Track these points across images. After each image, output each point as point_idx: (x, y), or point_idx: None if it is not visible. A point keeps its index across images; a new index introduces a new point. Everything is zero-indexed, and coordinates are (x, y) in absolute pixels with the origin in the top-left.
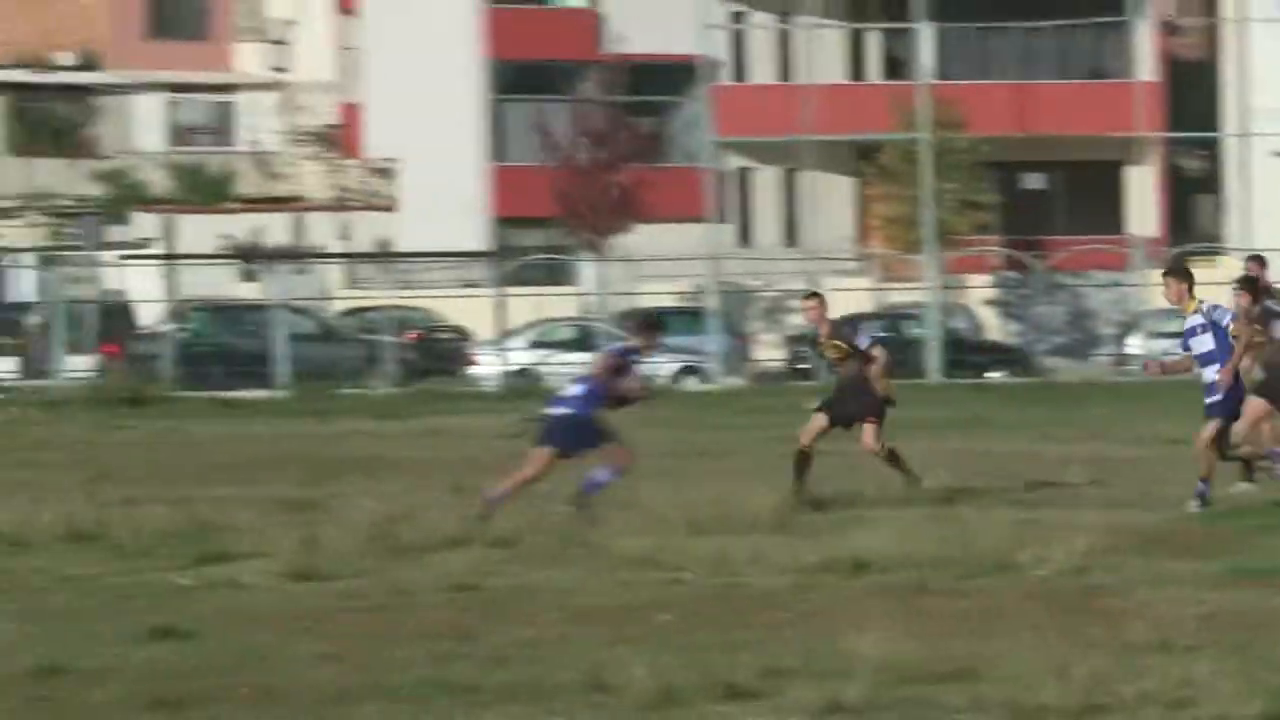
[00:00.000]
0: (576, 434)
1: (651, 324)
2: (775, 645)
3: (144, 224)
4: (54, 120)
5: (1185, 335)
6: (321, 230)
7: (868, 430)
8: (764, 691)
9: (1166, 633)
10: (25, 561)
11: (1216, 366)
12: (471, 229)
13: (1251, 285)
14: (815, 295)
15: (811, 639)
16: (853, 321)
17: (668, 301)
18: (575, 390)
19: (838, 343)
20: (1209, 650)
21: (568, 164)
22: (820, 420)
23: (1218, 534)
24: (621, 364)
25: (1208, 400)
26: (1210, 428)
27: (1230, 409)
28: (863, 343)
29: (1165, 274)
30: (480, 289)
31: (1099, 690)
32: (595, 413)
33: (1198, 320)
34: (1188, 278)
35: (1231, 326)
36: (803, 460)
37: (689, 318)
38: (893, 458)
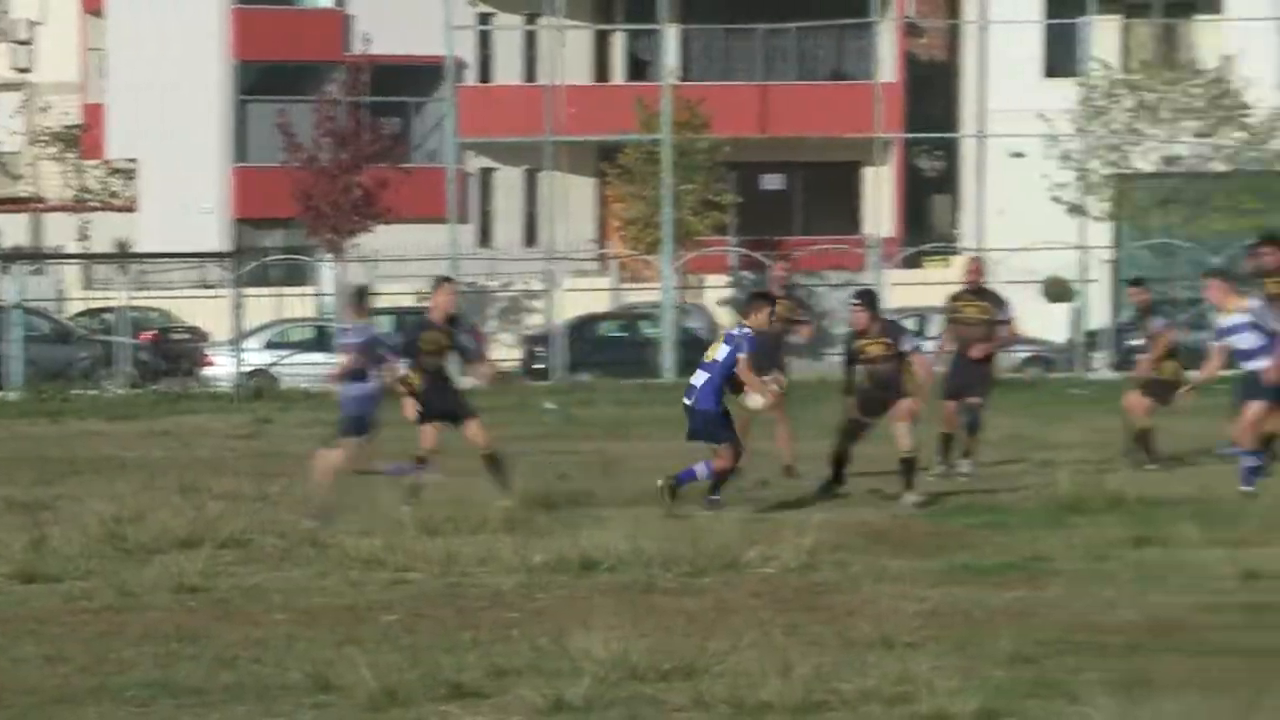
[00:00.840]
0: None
1: (761, 295)
2: (502, 645)
3: None
4: None
5: (1227, 332)
6: (60, 231)
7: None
8: (490, 691)
9: (889, 629)
10: None
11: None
12: (212, 229)
13: None
14: (866, 295)
15: (539, 638)
16: (897, 323)
17: (406, 302)
18: (701, 380)
19: (886, 340)
20: (930, 646)
21: (310, 164)
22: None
23: (940, 532)
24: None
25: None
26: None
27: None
28: (907, 346)
29: (1205, 275)
30: (218, 289)
31: (821, 687)
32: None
33: (1241, 319)
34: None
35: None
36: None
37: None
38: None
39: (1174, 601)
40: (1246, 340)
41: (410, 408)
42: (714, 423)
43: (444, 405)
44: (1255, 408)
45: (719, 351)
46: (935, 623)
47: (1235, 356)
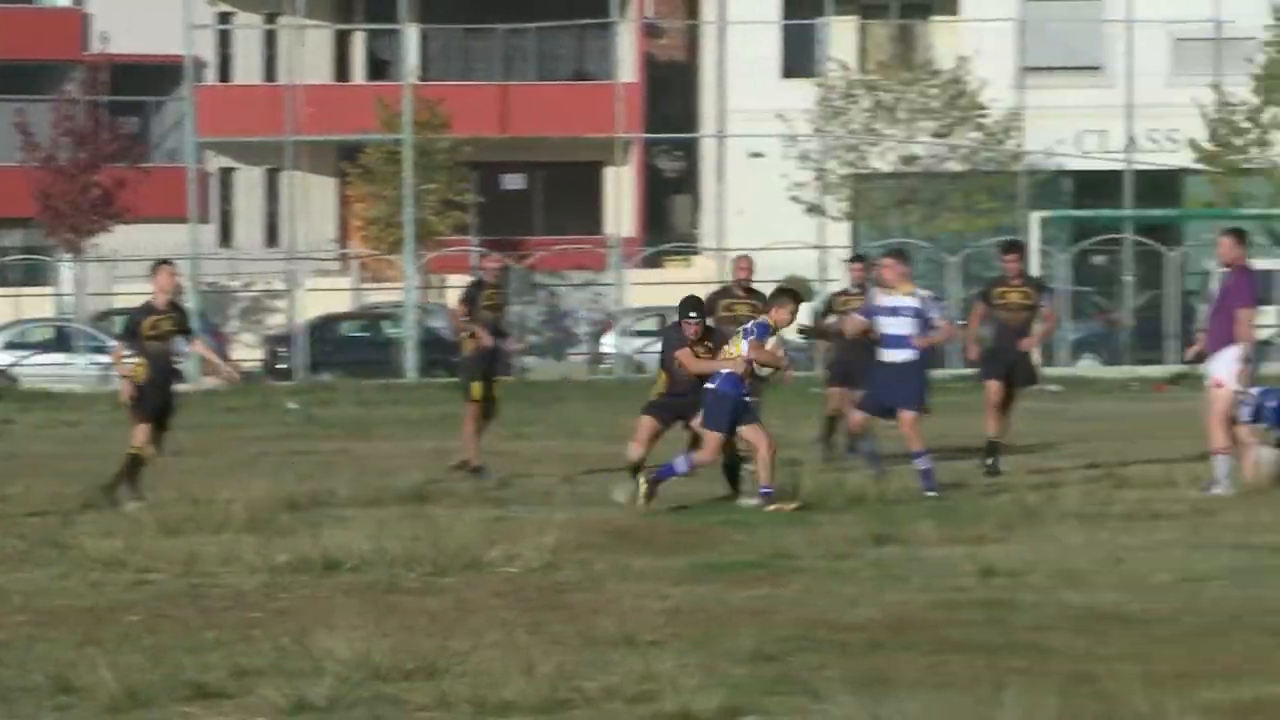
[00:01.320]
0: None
1: (789, 292)
2: (245, 645)
3: None
4: None
5: (883, 311)
6: None
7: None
8: (232, 691)
9: (632, 628)
10: None
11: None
12: None
13: None
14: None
15: (281, 638)
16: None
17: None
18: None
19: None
20: (673, 644)
21: (48, 164)
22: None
23: (683, 530)
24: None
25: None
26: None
27: None
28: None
29: (886, 255)
30: None
31: (564, 685)
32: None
33: (907, 303)
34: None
35: None
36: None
37: None
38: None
39: (913, 599)
40: (901, 326)
41: (128, 391)
42: (720, 407)
43: (157, 402)
44: (906, 416)
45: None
46: (678, 621)
47: (884, 340)
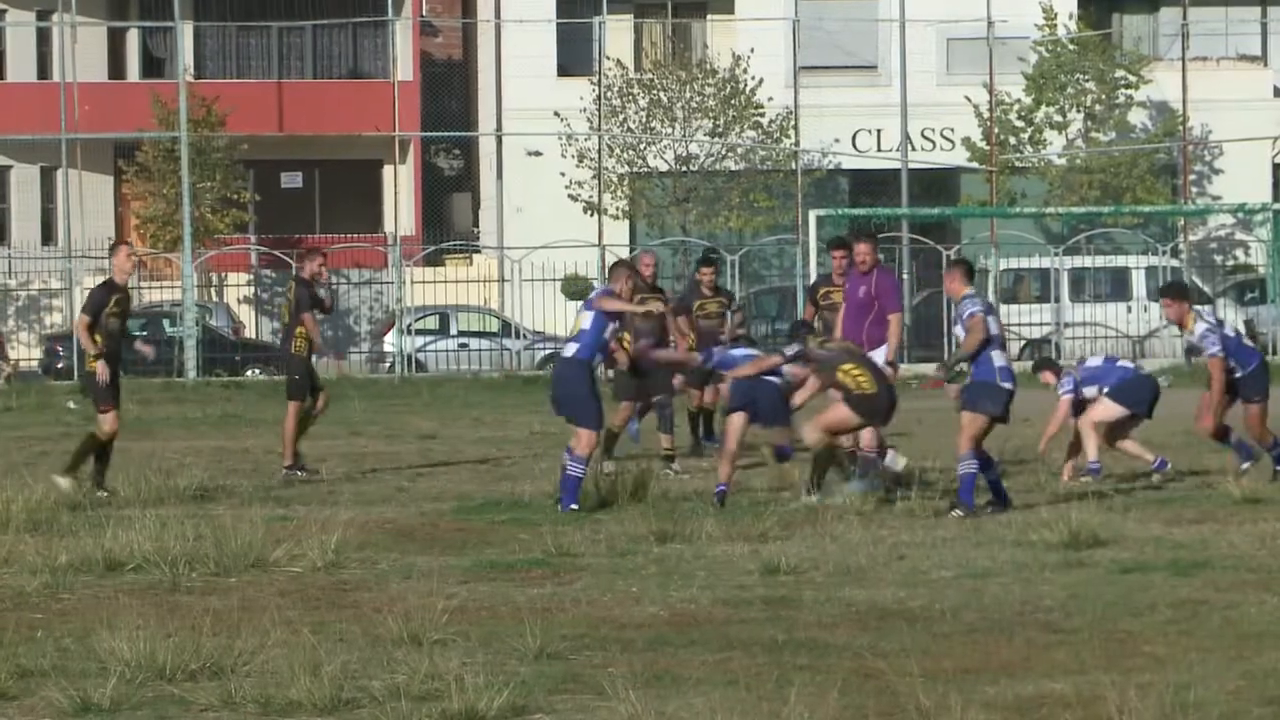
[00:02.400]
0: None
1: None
2: (27, 646)
3: None
4: None
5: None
6: None
7: None
8: (15, 692)
9: (416, 626)
10: None
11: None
12: None
13: None
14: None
15: (64, 639)
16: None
17: None
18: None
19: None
20: (458, 643)
21: None
22: None
23: (466, 528)
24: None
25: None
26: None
27: None
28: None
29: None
30: None
31: (350, 685)
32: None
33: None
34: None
35: None
36: None
37: None
38: None
39: (697, 597)
40: None
41: (104, 372)
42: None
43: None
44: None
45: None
46: (463, 619)
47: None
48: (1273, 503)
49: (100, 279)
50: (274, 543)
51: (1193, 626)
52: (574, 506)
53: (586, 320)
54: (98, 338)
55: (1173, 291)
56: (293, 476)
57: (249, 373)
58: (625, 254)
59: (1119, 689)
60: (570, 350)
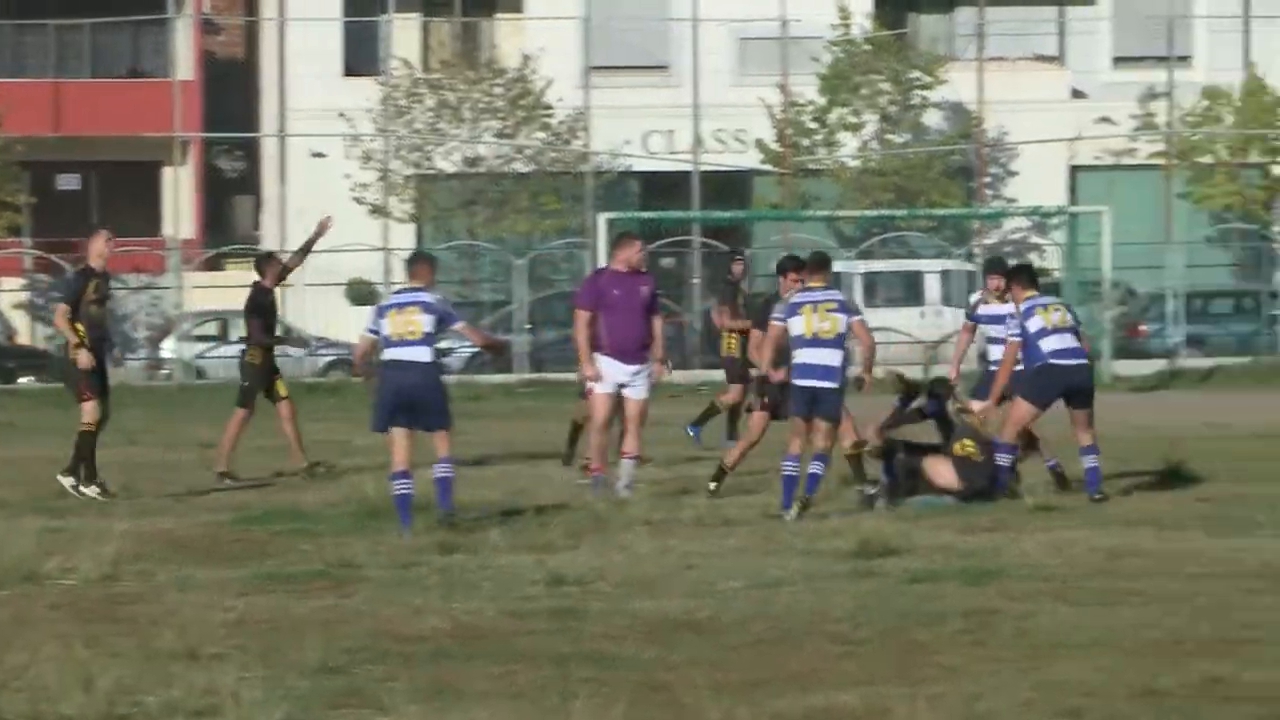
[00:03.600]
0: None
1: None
2: None
3: None
4: None
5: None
6: None
7: None
8: None
9: (193, 640)
10: None
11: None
12: None
13: None
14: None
15: None
16: None
17: None
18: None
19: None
20: (236, 657)
21: None
22: None
23: (246, 540)
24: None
25: None
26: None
27: None
28: None
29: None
30: None
31: (124, 699)
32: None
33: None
34: None
35: None
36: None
37: None
38: None
39: (482, 608)
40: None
41: (86, 360)
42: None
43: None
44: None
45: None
46: (241, 632)
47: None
48: (1065, 511)
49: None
50: (46, 554)
51: (984, 636)
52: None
53: (427, 322)
54: (78, 326)
55: (997, 266)
56: (223, 485)
57: (21, 380)
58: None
59: (909, 700)
60: (422, 354)
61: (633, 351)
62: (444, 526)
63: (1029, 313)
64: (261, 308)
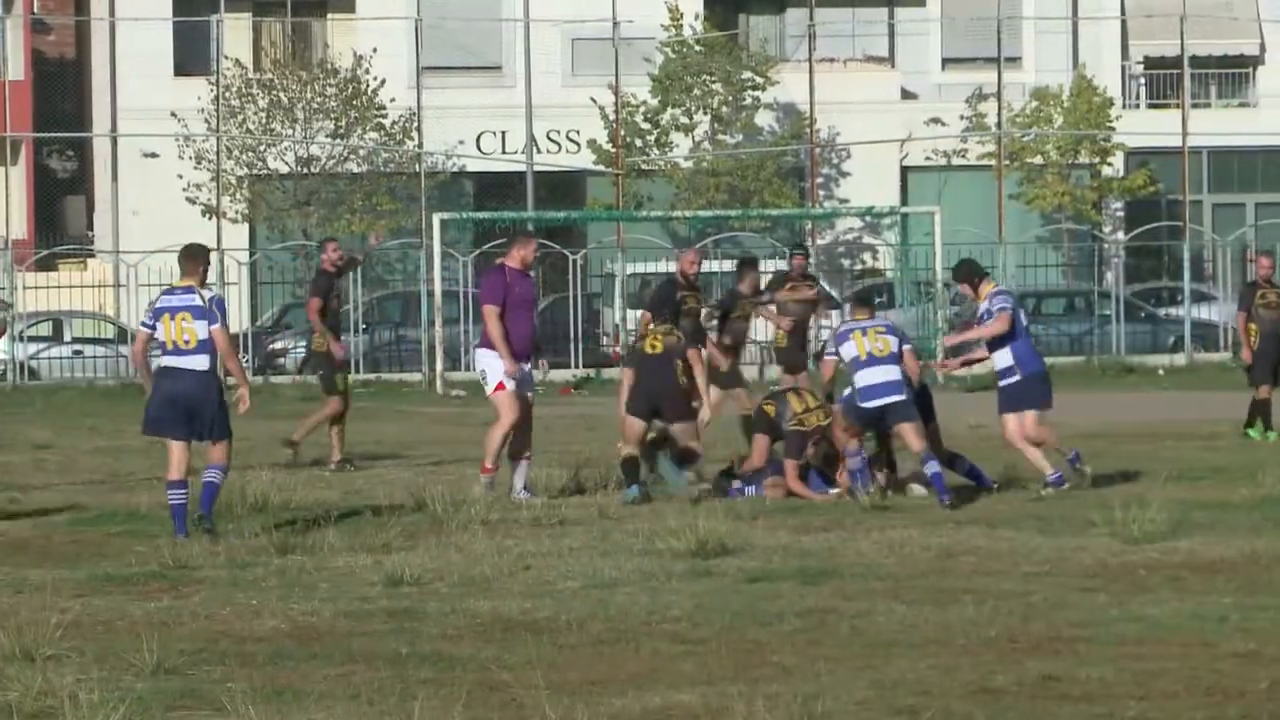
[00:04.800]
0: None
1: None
2: None
3: None
4: None
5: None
6: None
7: None
8: None
9: (29, 642)
10: None
11: None
12: None
13: None
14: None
15: None
16: None
17: None
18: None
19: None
20: (72, 659)
21: None
22: None
23: (81, 540)
24: None
25: None
26: None
27: None
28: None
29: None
30: None
31: None
32: None
33: None
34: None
35: None
36: None
37: None
38: None
39: (319, 609)
40: None
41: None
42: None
43: None
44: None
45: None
46: (77, 634)
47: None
48: (900, 510)
49: None
50: None
51: (820, 636)
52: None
53: (202, 329)
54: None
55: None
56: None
57: None
58: (245, 258)
59: (747, 699)
60: (199, 363)
61: (527, 351)
62: (203, 532)
63: (844, 336)
64: (322, 290)
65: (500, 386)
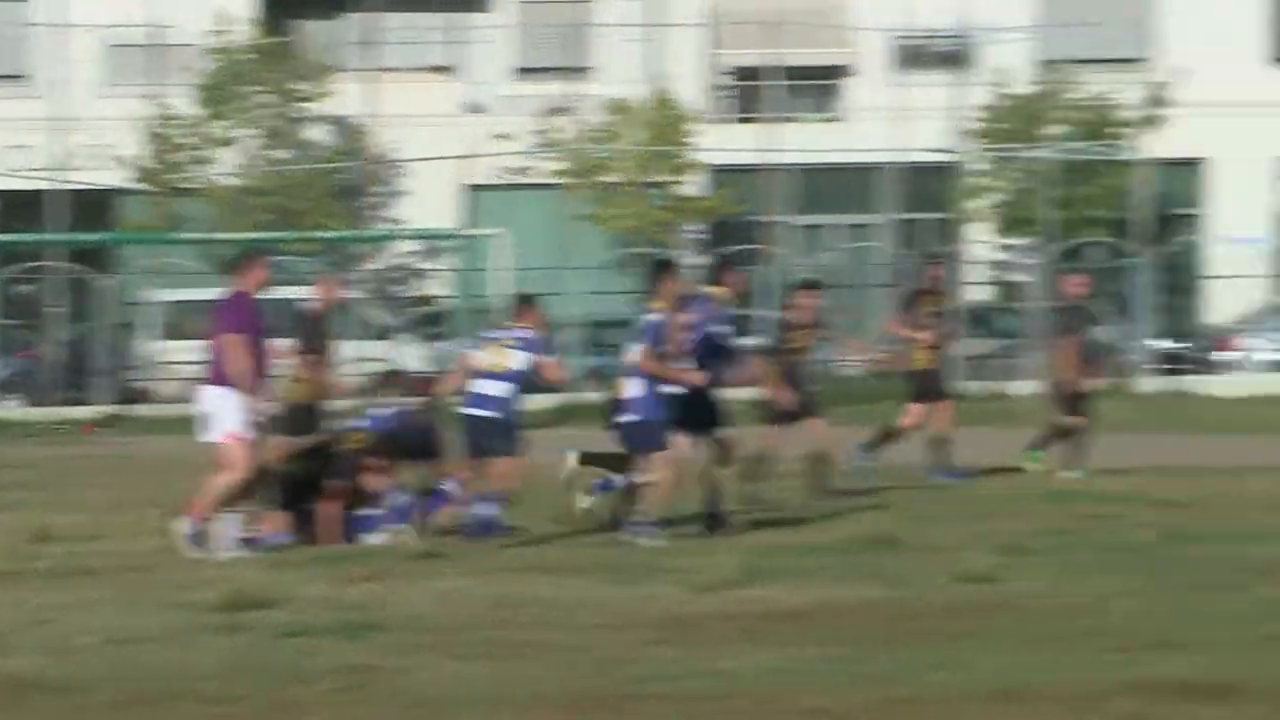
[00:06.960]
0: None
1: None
2: None
3: None
4: None
5: None
6: None
7: None
8: None
9: None
10: None
11: None
12: None
13: None
14: None
15: None
16: None
17: None
18: None
19: None
20: None
21: None
22: None
23: None
24: None
25: None
26: None
27: None
28: None
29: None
30: None
31: None
32: None
33: None
34: None
35: None
36: None
37: None
38: None
39: None
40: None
41: None
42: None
43: None
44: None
45: None
46: None
47: None
48: (453, 558)
49: None
50: None
51: (362, 695)
52: None
53: None
54: None
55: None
56: None
57: None
58: None
59: None
60: None
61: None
62: None
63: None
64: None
65: (233, 435)
